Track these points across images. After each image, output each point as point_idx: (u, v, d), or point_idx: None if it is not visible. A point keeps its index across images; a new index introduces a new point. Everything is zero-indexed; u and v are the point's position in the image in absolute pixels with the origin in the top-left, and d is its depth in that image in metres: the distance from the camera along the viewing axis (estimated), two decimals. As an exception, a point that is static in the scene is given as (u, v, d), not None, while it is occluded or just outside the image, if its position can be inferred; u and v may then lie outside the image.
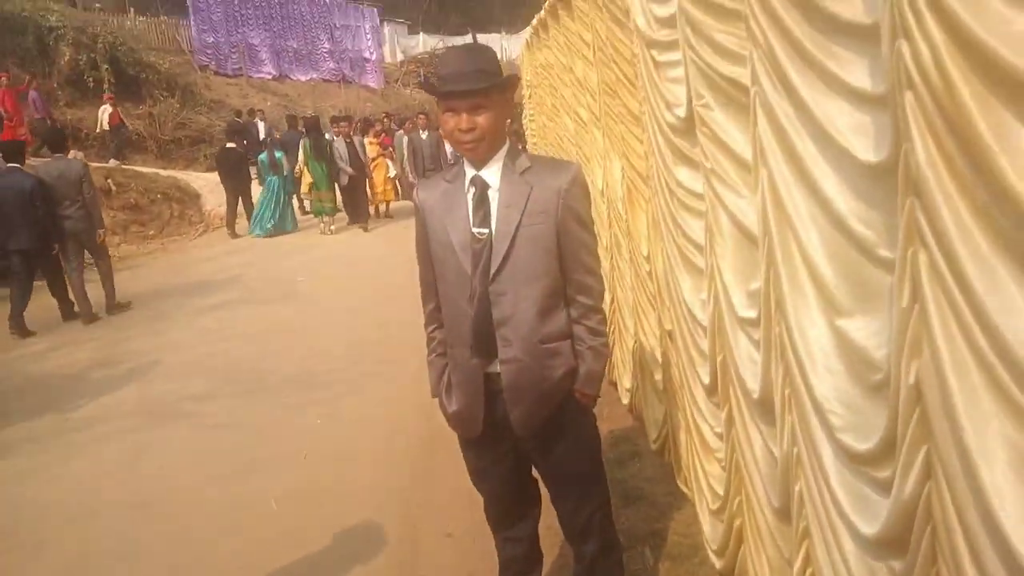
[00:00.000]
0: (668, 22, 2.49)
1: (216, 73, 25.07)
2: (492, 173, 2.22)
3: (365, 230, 13.23)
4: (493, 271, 2.18)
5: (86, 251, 8.37)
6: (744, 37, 1.77)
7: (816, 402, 1.56)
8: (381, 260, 10.53)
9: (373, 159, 14.22)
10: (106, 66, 19.19)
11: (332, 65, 29.79)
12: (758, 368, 1.95)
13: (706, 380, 2.52)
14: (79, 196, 8.03)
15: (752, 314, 1.98)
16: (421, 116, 13.77)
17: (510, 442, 2.35)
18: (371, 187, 14.01)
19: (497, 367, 2.24)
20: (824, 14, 1.33)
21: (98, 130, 17.42)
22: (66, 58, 18.97)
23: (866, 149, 1.26)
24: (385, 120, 17.06)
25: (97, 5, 25.23)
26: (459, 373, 2.31)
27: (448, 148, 12.53)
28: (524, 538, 2.57)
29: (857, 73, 1.24)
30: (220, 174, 13.76)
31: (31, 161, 10.07)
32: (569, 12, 4.99)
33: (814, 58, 1.36)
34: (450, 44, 36.17)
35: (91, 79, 18.89)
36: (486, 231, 2.19)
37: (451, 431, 2.49)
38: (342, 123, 13.78)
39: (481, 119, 2.13)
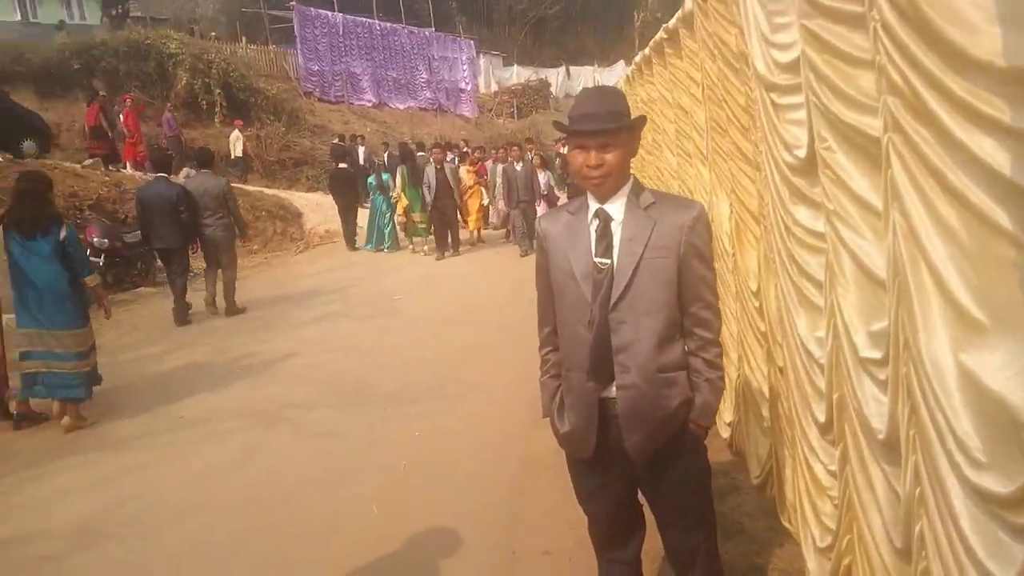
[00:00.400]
0: (789, 67, 2.56)
1: (320, 99, 26.17)
2: (616, 207, 2.33)
3: (456, 253, 13.61)
4: (614, 300, 2.27)
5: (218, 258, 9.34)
6: (871, 85, 1.83)
7: (945, 442, 1.59)
8: (470, 283, 10.84)
9: (470, 187, 14.66)
10: (219, 90, 20.37)
11: (429, 94, 30.72)
12: (884, 408, 1.98)
13: (821, 418, 2.53)
14: (220, 209, 9.12)
15: (876, 354, 2.01)
16: (515, 148, 13.95)
17: (620, 466, 2.42)
18: (463, 214, 14.32)
19: (612, 392, 2.33)
20: (967, 58, 1.39)
21: (232, 156, 18.42)
22: (183, 82, 20.20)
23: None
24: (478, 152, 17.43)
25: (213, 34, 26.79)
26: (573, 395, 2.41)
27: (542, 179, 13.17)
28: (628, 561, 2.63)
29: (1011, 112, 1.29)
30: (333, 192, 14.67)
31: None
32: (676, 51, 5.08)
33: (963, 100, 1.41)
34: (543, 75, 36.79)
35: (204, 102, 20.08)
36: (608, 262, 2.29)
37: (549, 452, 2.59)
38: (435, 149, 14.09)
39: (609, 156, 2.25)
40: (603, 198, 2.34)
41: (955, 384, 1.56)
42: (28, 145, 13.45)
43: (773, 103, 2.76)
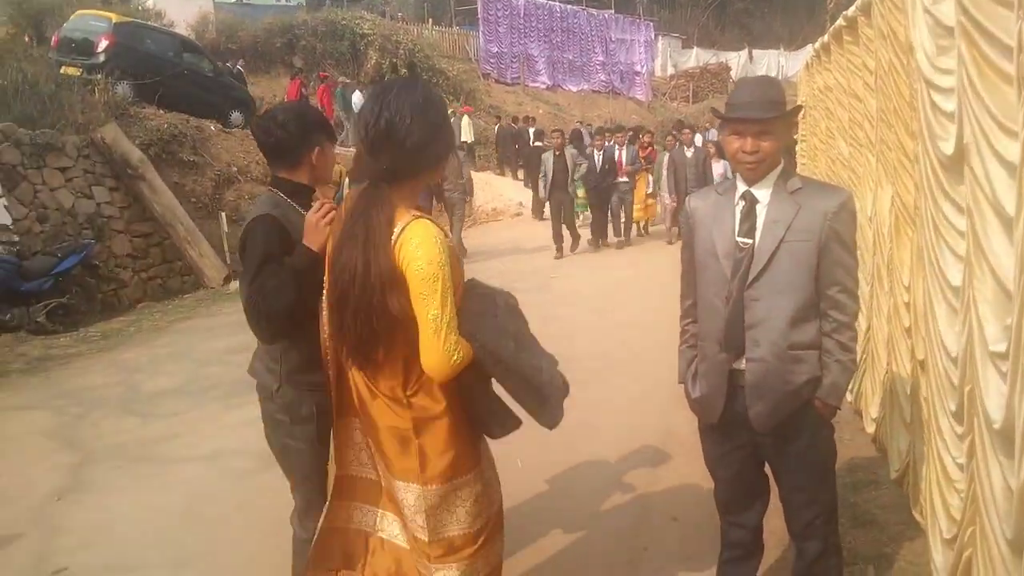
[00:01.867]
0: (947, 64, 2.58)
1: (497, 81, 26.98)
2: (763, 191, 2.45)
3: (597, 248, 12.51)
4: (751, 278, 2.41)
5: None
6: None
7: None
8: (623, 278, 10.70)
9: (638, 172, 13.14)
10: (404, 70, 21.50)
11: (603, 77, 30.79)
12: (1003, 400, 2.02)
13: (953, 409, 2.56)
14: (458, 179, 11.33)
15: (1002, 347, 2.06)
16: (686, 130, 12.65)
17: (746, 435, 2.56)
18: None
19: (743, 364, 2.47)
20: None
21: (459, 141, 19.07)
22: (372, 62, 21.51)
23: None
24: (647, 136, 15.73)
25: (400, 14, 28.20)
26: (706, 364, 2.58)
27: (717, 169, 11.52)
28: (749, 526, 2.76)
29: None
30: (527, 170, 16.85)
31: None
32: (854, 37, 4.99)
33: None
34: (723, 59, 35.74)
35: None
36: (749, 241, 2.43)
37: (685, 428, 2.75)
38: (554, 133, 13.06)
39: (765, 143, 2.37)
40: (752, 181, 2.46)
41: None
42: (236, 117, 14.97)
43: (931, 96, 2.77)
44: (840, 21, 5.37)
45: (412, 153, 2.04)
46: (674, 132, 14.07)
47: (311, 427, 2.59)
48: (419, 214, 2.10)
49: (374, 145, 2.06)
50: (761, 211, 2.44)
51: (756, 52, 37.71)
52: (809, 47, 8.59)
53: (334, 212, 2.35)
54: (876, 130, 4.28)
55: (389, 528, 2.33)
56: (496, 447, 2.41)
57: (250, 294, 2.39)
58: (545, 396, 2.25)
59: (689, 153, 11.85)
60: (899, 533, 3.31)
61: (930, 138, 2.77)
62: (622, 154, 12.60)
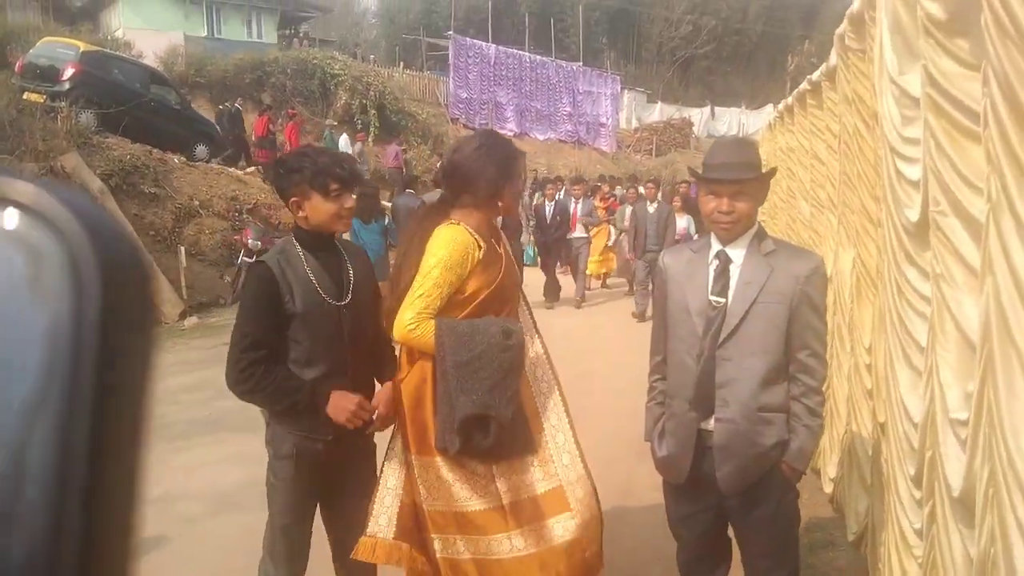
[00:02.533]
0: (912, 133, 2.65)
1: (465, 126, 27.17)
2: (738, 251, 2.47)
3: (548, 306, 11.33)
4: (723, 337, 2.41)
5: None
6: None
7: (1016, 509, 1.66)
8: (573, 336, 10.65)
9: (596, 225, 12.69)
10: (374, 111, 21.59)
11: (570, 127, 31.27)
12: (963, 467, 2.04)
13: (912, 474, 2.57)
14: None
15: (963, 415, 2.07)
16: (650, 184, 11.33)
17: (712, 496, 2.54)
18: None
19: (711, 424, 2.46)
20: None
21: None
22: (342, 101, 21.55)
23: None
24: (606, 185, 15.73)
25: (372, 57, 28.44)
26: (674, 423, 2.56)
27: (680, 224, 10.64)
28: None
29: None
30: None
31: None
32: (818, 101, 5.14)
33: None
34: (686, 114, 36.58)
35: (360, 121, 21.32)
36: (722, 300, 2.44)
37: (647, 487, 2.73)
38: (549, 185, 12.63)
39: (740, 204, 2.41)
40: (727, 241, 2.49)
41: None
42: (200, 150, 14.85)
43: (896, 165, 2.83)
44: (804, 85, 5.54)
45: (463, 179, 2.60)
46: (634, 186, 13.15)
47: (289, 464, 2.58)
48: (457, 222, 2.60)
49: (444, 172, 2.70)
50: (735, 271, 2.46)
51: (718, 109, 38.73)
52: (769, 106, 8.84)
53: (366, 414, 2.57)
54: (839, 192, 4.37)
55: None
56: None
57: (239, 360, 2.46)
58: (452, 419, 2.47)
59: (652, 208, 10.71)
60: (858, 597, 3.30)
61: (895, 205, 2.82)
62: (577, 207, 11.81)
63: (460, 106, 27.55)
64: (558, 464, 2.62)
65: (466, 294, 2.55)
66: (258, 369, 2.45)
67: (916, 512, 2.60)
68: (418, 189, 12.16)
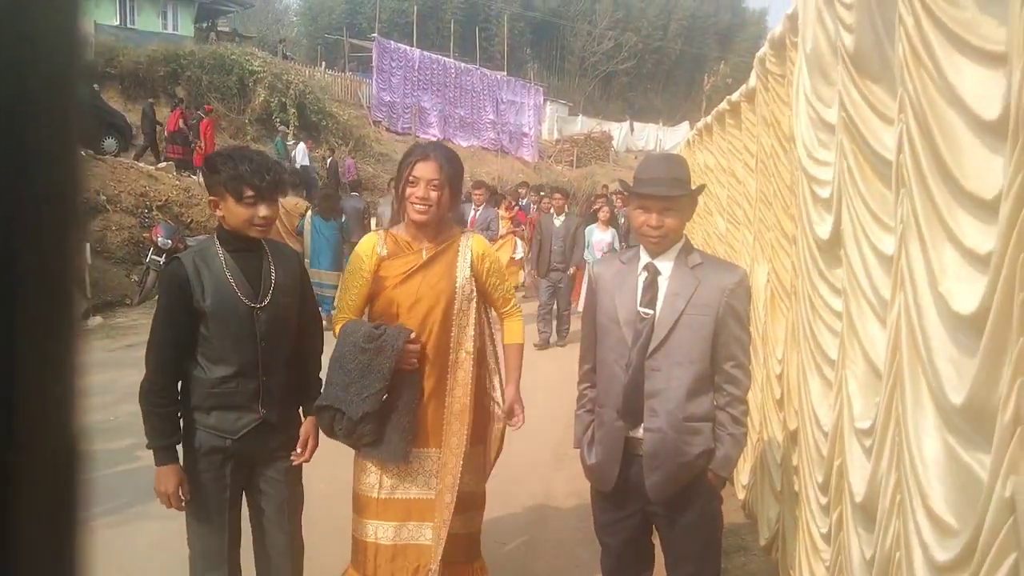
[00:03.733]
0: (825, 156, 2.78)
1: (388, 130, 26.95)
2: (666, 263, 2.54)
3: None
4: (651, 348, 2.47)
5: None
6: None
7: (916, 514, 1.76)
8: None
9: (501, 236, 11.26)
10: (293, 110, 21.14)
11: (492, 135, 31.39)
12: (867, 474, 2.15)
13: (820, 481, 2.69)
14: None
15: (867, 424, 2.19)
16: (557, 196, 10.11)
17: (638, 503, 2.60)
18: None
19: (640, 433, 2.51)
20: (961, 189, 1.60)
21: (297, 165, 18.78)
22: (260, 99, 21.03)
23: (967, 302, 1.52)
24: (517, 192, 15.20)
25: (292, 55, 27.89)
26: (603, 431, 2.60)
27: (605, 238, 9.54)
28: None
29: (977, 239, 1.50)
30: None
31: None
32: (737, 122, 5.33)
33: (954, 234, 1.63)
34: (606, 128, 37.30)
35: (279, 120, 20.85)
36: (651, 312, 2.50)
37: (563, 493, 2.78)
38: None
39: (669, 219, 2.47)
40: (655, 254, 2.55)
41: (933, 459, 1.73)
42: (109, 143, 14.23)
43: (809, 187, 2.97)
44: (724, 105, 5.73)
45: None
46: (541, 195, 11.94)
47: (200, 461, 2.61)
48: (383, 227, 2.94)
49: None
50: (663, 283, 2.52)
51: (637, 124, 39.65)
52: (686, 123, 9.10)
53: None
54: (755, 209, 4.54)
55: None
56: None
57: (147, 371, 2.52)
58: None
59: (559, 222, 9.56)
60: (768, 601, 3.41)
61: (808, 223, 2.96)
62: (475, 215, 10.19)
63: (383, 109, 27.30)
64: (441, 481, 2.79)
65: (376, 289, 2.80)
66: (166, 398, 2.54)
67: (824, 518, 2.71)
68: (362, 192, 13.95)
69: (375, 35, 28.49)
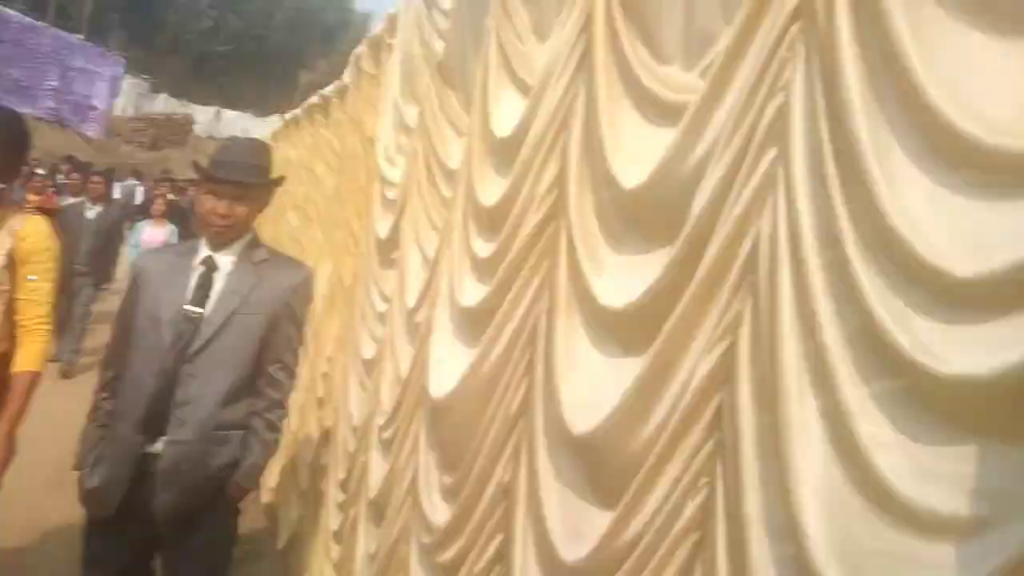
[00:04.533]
0: (401, 161, 2.85)
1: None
2: (227, 258, 2.28)
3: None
4: (192, 351, 2.18)
5: None
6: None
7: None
8: None
9: None
10: None
11: (52, 104, 26.51)
12: (384, 472, 2.19)
13: (342, 477, 2.67)
14: None
15: (382, 421, 2.25)
16: (97, 179, 7.75)
17: (140, 528, 2.23)
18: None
19: (158, 447, 2.18)
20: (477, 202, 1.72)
21: None
22: None
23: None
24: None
25: None
26: (114, 447, 2.22)
27: (159, 236, 7.17)
28: None
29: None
30: None
31: None
32: (326, 118, 5.24)
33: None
34: (192, 111, 34.73)
35: None
36: (199, 311, 2.21)
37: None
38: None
39: (240, 208, 2.23)
40: (218, 247, 2.28)
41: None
42: None
43: (381, 185, 2.99)
44: (315, 99, 5.61)
45: None
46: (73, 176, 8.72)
47: None
48: None
49: None
50: (219, 279, 2.26)
51: (225, 112, 37.66)
52: (276, 116, 8.83)
53: None
54: (328, 208, 4.48)
55: None
56: None
57: None
58: None
59: (92, 213, 7.20)
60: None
61: (372, 223, 2.96)
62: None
63: None
64: None
65: None
66: None
67: (338, 516, 2.69)
68: None
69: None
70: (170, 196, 8.62)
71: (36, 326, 2.38)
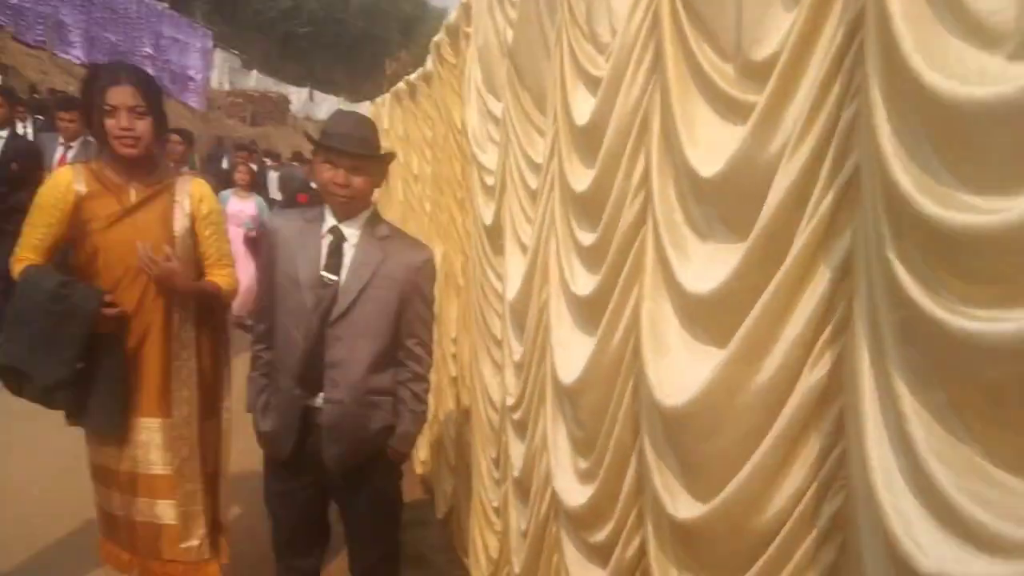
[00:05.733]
0: (493, 147, 2.93)
1: (14, 39, 22.49)
2: (352, 230, 2.43)
3: None
4: (334, 316, 2.36)
5: None
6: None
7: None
8: None
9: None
10: None
11: (152, 72, 27.62)
12: (523, 452, 2.33)
13: (493, 456, 2.86)
14: None
15: (511, 402, 2.38)
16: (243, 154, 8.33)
17: (314, 474, 2.48)
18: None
19: (318, 402, 2.40)
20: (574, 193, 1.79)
21: None
22: None
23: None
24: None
25: None
26: (279, 398, 2.45)
27: (247, 209, 7.21)
28: (307, 571, 2.67)
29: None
30: None
31: None
32: (415, 105, 5.34)
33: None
34: (285, 90, 35.55)
35: None
36: (335, 278, 2.38)
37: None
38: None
39: (357, 180, 2.35)
40: (341, 217, 2.42)
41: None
42: None
43: (478, 172, 3.09)
44: (402, 85, 5.70)
45: None
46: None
47: None
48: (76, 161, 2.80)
49: None
50: (348, 250, 2.41)
51: (317, 94, 38.38)
52: (368, 103, 8.93)
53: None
54: (428, 194, 4.63)
55: None
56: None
57: None
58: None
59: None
60: (447, 572, 3.55)
61: (477, 209, 3.08)
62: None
63: (8, 12, 22.56)
64: (176, 453, 2.65)
65: (77, 235, 2.52)
66: None
67: (495, 491, 2.88)
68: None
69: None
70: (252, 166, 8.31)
71: (221, 267, 2.75)
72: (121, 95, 2.44)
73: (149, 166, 2.58)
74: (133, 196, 2.55)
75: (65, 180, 2.54)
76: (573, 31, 1.98)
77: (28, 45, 22.68)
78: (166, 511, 2.65)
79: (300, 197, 8.09)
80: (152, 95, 2.51)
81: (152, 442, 2.61)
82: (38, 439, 4.25)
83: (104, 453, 2.66)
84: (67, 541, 3.47)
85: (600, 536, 1.76)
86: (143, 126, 2.46)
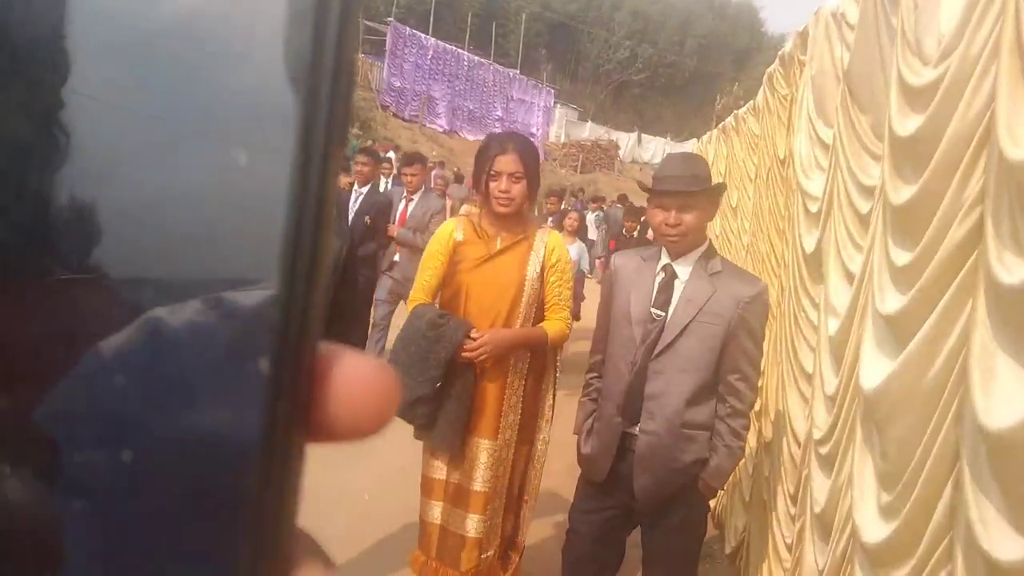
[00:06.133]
0: (820, 174, 2.84)
1: (395, 115, 26.92)
2: (684, 267, 2.50)
3: None
4: (657, 351, 2.44)
5: None
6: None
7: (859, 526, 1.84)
8: None
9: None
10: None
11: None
12: (826, 484, 2.21)
13: (791, 491, 2.75)
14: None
15: (818, 436, 2.26)
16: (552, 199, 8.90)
17: (623, 498, 2.58)
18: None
19: (636, 430, 2.50)
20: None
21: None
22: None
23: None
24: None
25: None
26: (601, 423, 2.60)
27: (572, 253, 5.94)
28: None
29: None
30: None
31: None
32: (739, 139, 5.38)
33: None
34: (615, 137, 37.26)
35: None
36: (662, 314, 2.47)
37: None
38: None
39: (687, 217, 2.43)
40: (675, 255, 2.51)
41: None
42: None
43: (803, 198, 3.02)
44: (729, 120, 5.78)
45: None
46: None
47: None
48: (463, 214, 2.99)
49: None
50: (679, 286, 2.48)
51: (645, 136, 39.54)
52: (694, 140, 9.11)
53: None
54: (748, 226, 4.60)
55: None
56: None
57: None
58: None
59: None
60: (729, 606, 3.46)
61: (797, 237, 3.01)
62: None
63: (392, 94, 27.27)
64: (495, 473, 2.85)
65: (449, 273, 2.85)
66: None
67: (790, 526, 2.77)
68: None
69: (391, 19, 28.45)
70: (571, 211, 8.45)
71: (558, 311, 2.88)
72: (505, 163, 2.73)
73: (518, 219, 2.87)
74: (499, 243, 2.85)
75: (448, 229, 2.88)
76: (901, 44, 1.90)
77: (404, 120, 26.83)
78: (475, 525, 2.84)
79: (610, 244, 8.53)
80: (530, 163, 2.79)
81: (478, 460, 2.85)
82: (374, 447, 4.86)
83: (435, 467, 2.90)
84: (385, 543, 3.81)
85: (899, 574, 1.63)
86: (518, 189, 2.75)
